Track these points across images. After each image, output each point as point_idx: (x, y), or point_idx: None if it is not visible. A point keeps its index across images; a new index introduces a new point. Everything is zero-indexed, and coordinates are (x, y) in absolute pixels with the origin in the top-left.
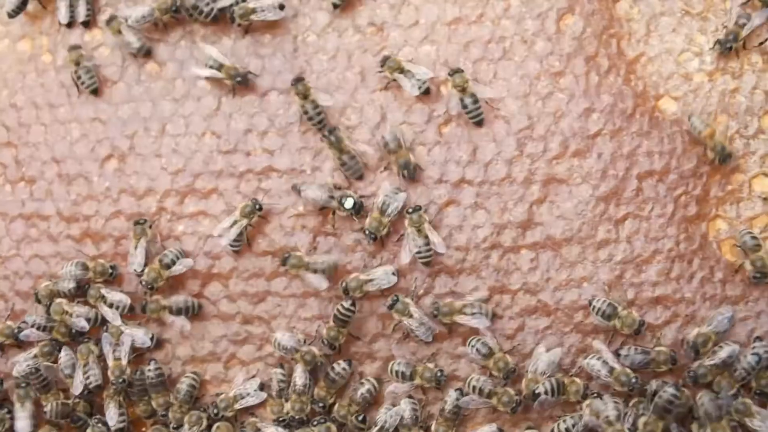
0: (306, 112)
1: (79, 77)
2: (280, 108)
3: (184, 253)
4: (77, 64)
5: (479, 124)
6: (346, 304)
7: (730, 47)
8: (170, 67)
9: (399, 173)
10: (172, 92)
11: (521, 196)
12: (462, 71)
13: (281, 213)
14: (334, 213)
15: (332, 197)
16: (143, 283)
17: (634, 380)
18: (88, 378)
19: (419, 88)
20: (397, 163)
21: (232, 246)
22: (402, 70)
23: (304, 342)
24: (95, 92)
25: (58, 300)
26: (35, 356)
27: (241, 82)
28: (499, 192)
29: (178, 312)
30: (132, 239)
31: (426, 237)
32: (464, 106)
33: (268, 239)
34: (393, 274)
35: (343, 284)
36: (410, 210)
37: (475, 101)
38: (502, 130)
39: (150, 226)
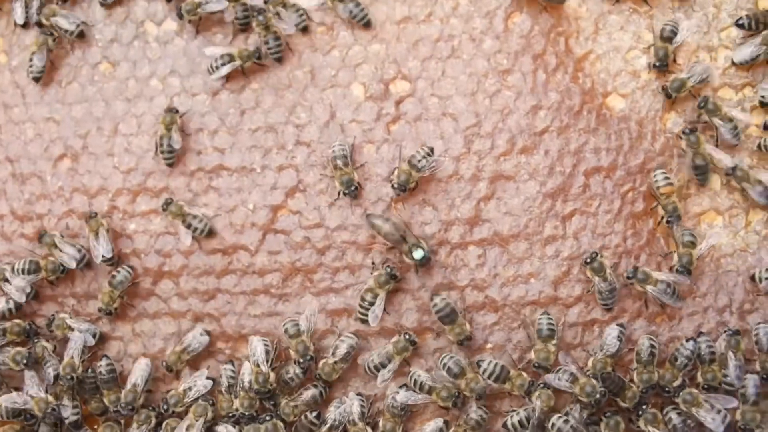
0: (236, 13)
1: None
2: (230, 107)
3: (132, 271)
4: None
5: (367, 25)
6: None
7: (665, 66)
8: (124, 67)
9: (340, 191)
10: (125, 92)
11: (469, 193)
12: None
13: (231, 211)
14: (401, 253)
15: (404, 240)
16: (100, 310)
17: (601, 392)
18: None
19: (296, 24)
20: (340, 180)
21: (165, 159)
22: (284, 5)
23: (274, 361)
24: (37, 80)
25: None
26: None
27: (259, 57)
28: (447, 189)
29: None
30: (89, 233)
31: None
32: (349, 11)
33: (218, 237)
34: (202, 334)
35: (164, 362)
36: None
37: (358, 4)
38: (449, 127)
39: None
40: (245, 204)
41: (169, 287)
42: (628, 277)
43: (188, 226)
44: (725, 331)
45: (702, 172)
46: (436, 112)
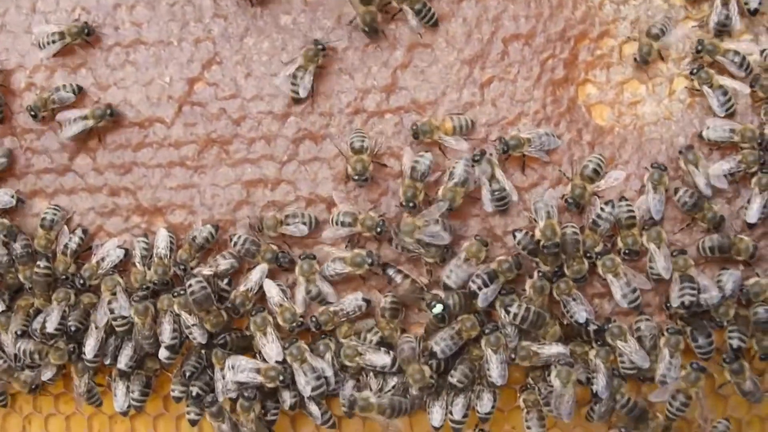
0: None
1: None
2: None
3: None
4: None
5: None
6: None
7: None
8: None
9: (350, 175)
10: None
11: (385, 61)
12: None
13: (148, 84)
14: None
15: (422, 298)
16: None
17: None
18: None
19: None
20: (353, 166)
21: None
22: None
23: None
24: None
25: None
26: None
27: None
28: (363, 57)
29: None
30: None
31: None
32: None
33: (134, 110)
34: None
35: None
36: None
37: None
38: None
39: None
40: (162, 77)
41: (86, 162)
42: (503, 151)
43: None
44: (652, 165)
45: None
46: None
